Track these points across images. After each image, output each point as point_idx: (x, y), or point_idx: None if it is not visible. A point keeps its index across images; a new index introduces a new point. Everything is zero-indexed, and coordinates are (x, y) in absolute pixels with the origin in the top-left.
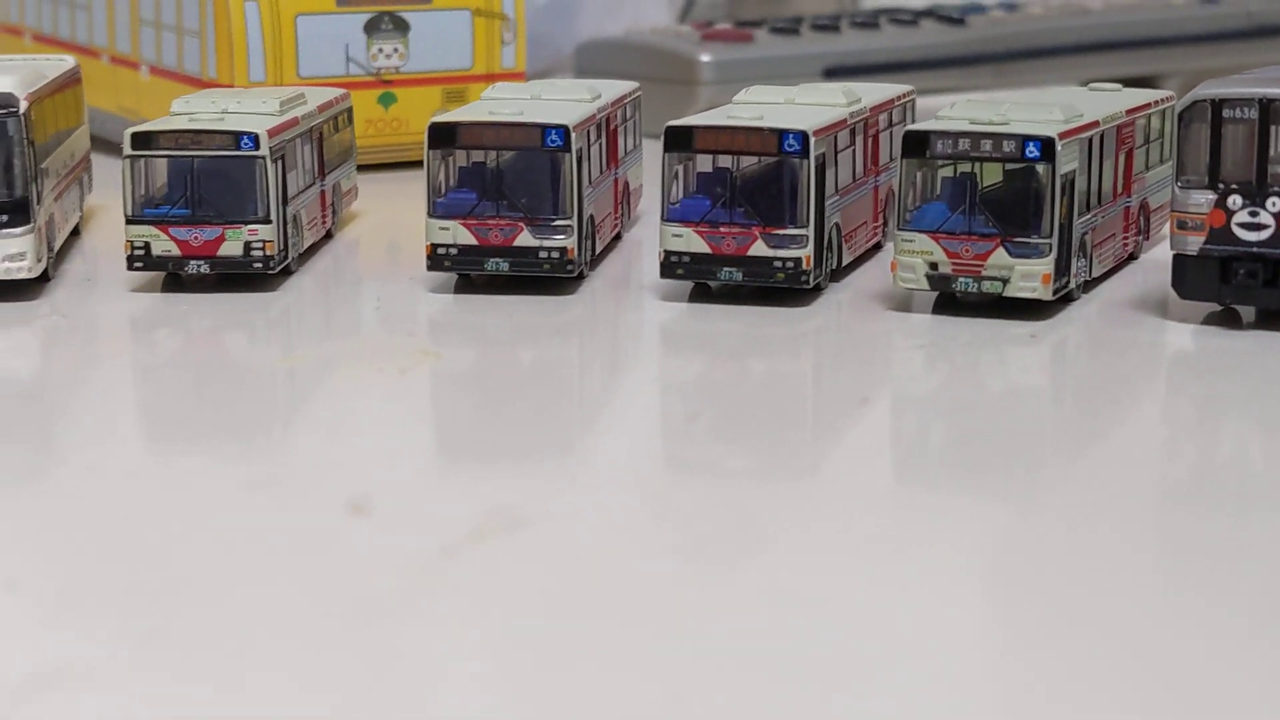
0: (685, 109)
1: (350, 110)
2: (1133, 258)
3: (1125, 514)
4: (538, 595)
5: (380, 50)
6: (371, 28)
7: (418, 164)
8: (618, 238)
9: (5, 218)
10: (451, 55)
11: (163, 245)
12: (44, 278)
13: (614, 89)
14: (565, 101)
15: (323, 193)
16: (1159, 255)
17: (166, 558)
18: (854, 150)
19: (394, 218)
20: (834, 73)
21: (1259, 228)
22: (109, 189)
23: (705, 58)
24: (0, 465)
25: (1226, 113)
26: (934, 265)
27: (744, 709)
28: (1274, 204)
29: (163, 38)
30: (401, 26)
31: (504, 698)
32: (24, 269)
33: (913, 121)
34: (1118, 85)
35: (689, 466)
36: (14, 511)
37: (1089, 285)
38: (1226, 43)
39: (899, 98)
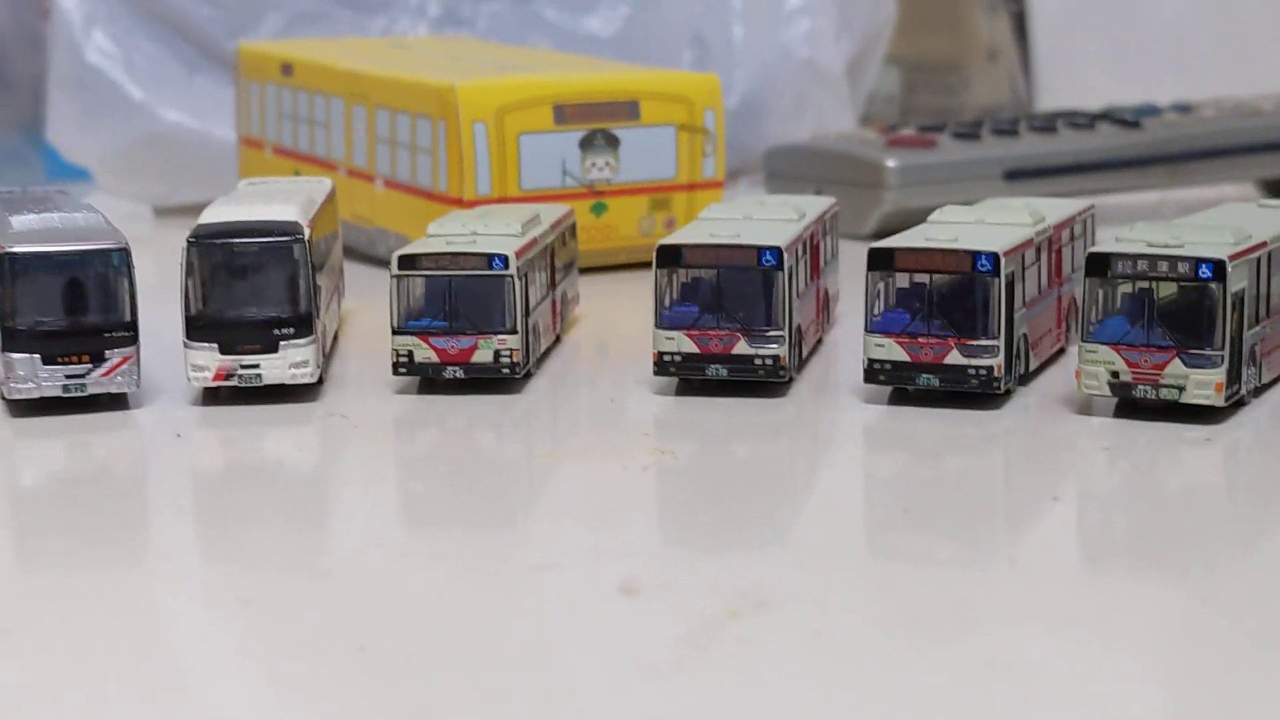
0: (870, 212)
1: (574, 225)
2: None
3: None
4: (789, 664)
5: (594, 164)
6: (586, 144)
7: (626, 266)
8: (819, 341)
9: (292, 330)
10: (658, 167)
11: (424, 353)
12: (319, 381)
13: (816, 206)
14: (775, 221)
15: (554, 302)
16: None
17: (475, 623)
18: (1039, 265)
19: (610, 319)
20: (1014, 175)
21: None
22: (351, 292)
23: (891, 163)
24: (294, 548)
25: None
26: (1115, 374)
27: None
28: None
29: (397, 154)
30: (613, 142)
31: None
32: (307, 375)
33: (1093, 234)
34: None
35: (901, 554)
36: (340, 585)
37: (1259, 391)
38: None
39: (1079, 213)
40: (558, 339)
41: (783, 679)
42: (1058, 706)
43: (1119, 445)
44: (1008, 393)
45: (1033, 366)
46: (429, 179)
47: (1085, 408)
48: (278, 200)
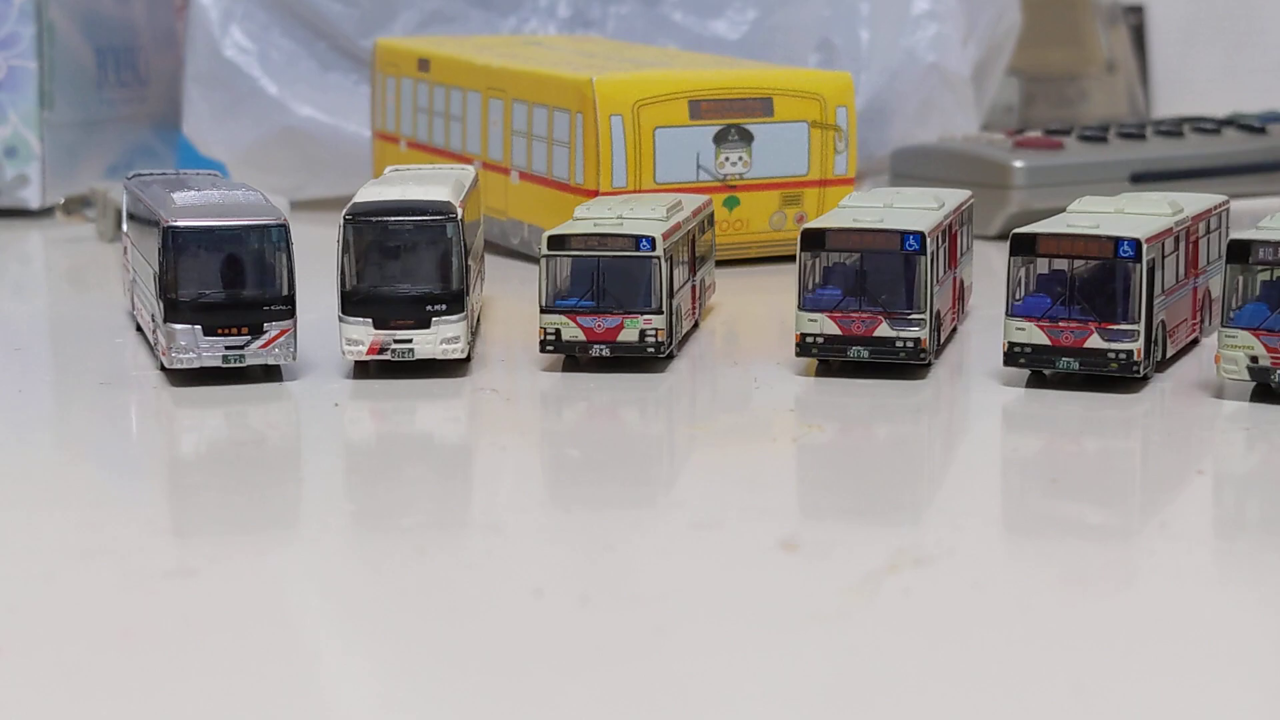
0: (998, 212)
1: (712, 214)
2: None
3: None
4: (952, 615)
5: (727, 159)
6: (720, 138)
7: (759, 260)
8: (954, 330)
9: (444, 306)
10: (790, 163)
11: (571, 332)
12: (467, 358)
13: (954, 197)
14: (916, 209)
15: (694, 287)
16: None
17: (646, 571)
18: (1177, 255)
19: (744, 308)
20: (1140, 179)
21: None
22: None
23: (1018, 164)
24: (458, 505)
25: None
26: (1254, 359)
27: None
28: None
29: (533, 147)
30: (746, 137)
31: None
32: (458, 350)
33: (1227, 228)
34: None
35: (1052, 519)
36: (509, 537)
37: None
38: None
39: (1215, 207)
40: (696, 324)
41: (947, 628)
42: (1208, 658)
43: (1258, 427)
44: (1145, 378)
45: (1169, 354)
46: (565, 171)
47: (1222, 392)
48: (429, 182)
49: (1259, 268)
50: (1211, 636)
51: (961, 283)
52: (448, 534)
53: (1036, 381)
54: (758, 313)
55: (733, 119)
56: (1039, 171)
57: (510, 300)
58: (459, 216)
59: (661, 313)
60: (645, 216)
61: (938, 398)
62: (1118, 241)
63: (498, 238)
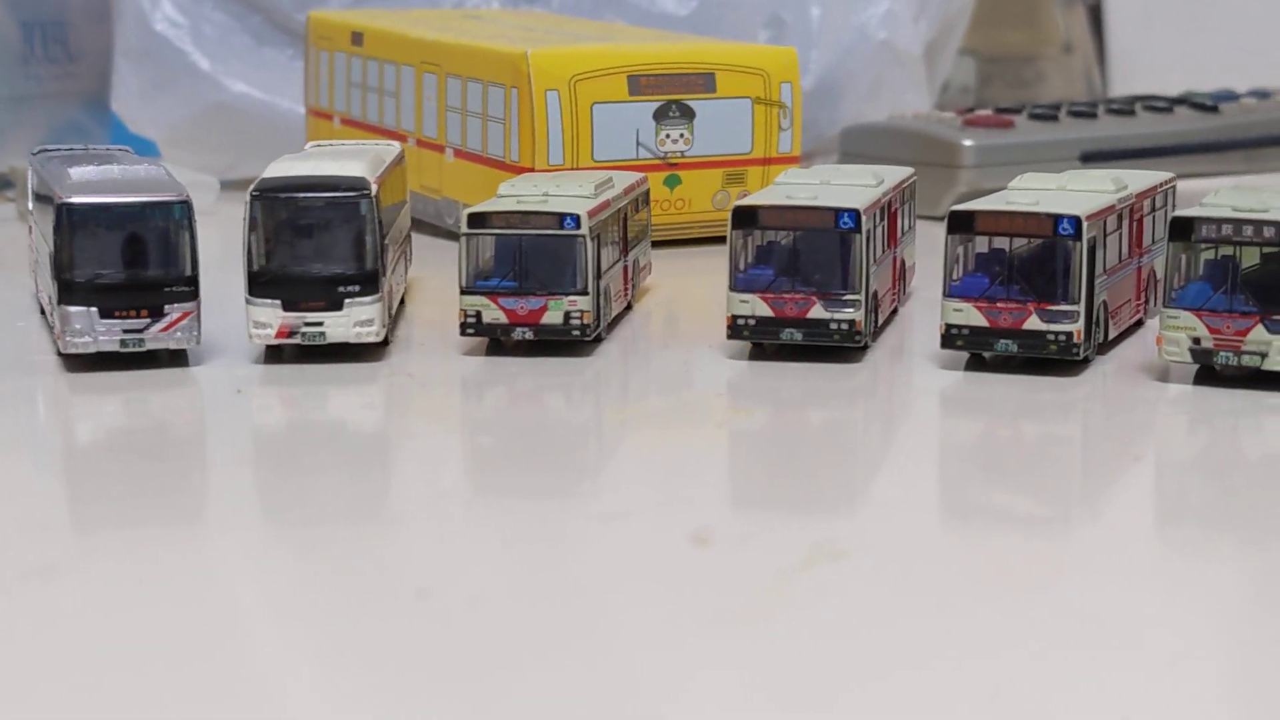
0: (947, 191)
1: (648, 193)
2: None
3: None
4: (867, 612)
5: (668, 136)
6: (660, 115)
7: (699, 241)
8: (894, 312)
9: (357, 288)
10: (733, 140)
11: (492, 314)
12: (384, 342)
13: (894, 174)
14: (853, 186)
15: (626, 267)
16: None
17: (544, 570)
18: (1120, 234)
19: (681, 291)
20: (1091, 158)
21: None
22: (417, 262)
23: (968, 143)
24: (366, 497)
25: None
26: (1196, 340)
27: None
28: None
29: (468, 124)
30: (688, 114)
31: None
32: (372, 334)
33: (1174, 206)
34: None
35: (980, 509)
36: (403, 531)
37: None
38: None
39: (1161, 184)
40: (629, 306)
41: (860, 626)
42: (1134, 656)
43: (1199, 411)
44: (1086, 360)
45: (1112, 335)
46: (500, 149)
47: (1165, 375)
48: (345, 158)
49: (1202, 246)
50: (1138, 636)
51: (902, 263)
52: (339, 528)
53: (976, 364)
54: (696, 295)
55: (674, 95)
56: (988, 150)
57: (442, 282)
58: (373, 193)
59: (587, 294)
60: (572, 194)
61: (874, 381)
62: (1057, 219)
63: (432, 217)
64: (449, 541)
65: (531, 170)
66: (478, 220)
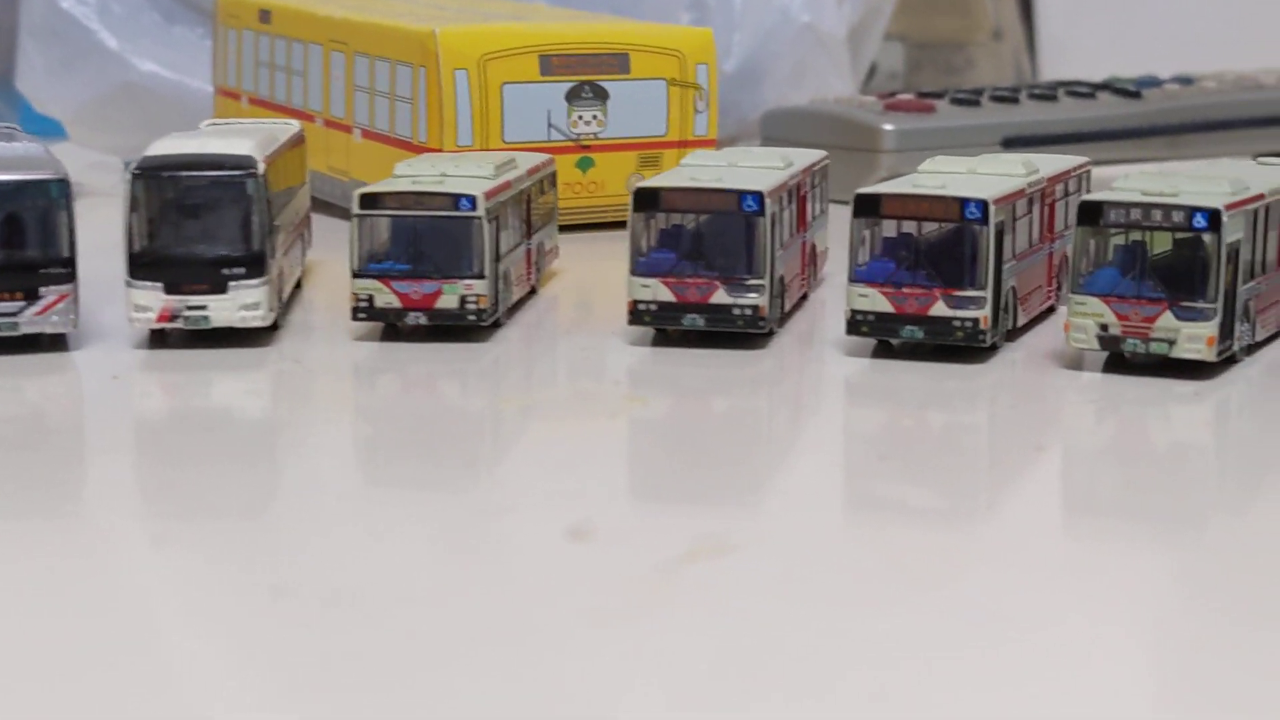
0: (867, 176)
1: (554, 175)
2: None
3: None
4: (749, 609)
5: (580, 117)
6: (573, 96)
7: (613, 225)
8: (804, 298)
9: (243, 270)
10: (647, 122)
11: (385, 298)
12: (274, 326)
13: (804, 157)
14: (759, 169)
15: (529, 251)
16: None
17: (415, 570)
18: (1031, 218)
19: (591, 276)
20: (1012, 143)
21: None
22: (323, 245)
23: (888, 127)
24: (240, 489)
25: None
26: (1104, 327)
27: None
28: None
29: (376, 104)
30: (601, 95)
31: (734, 686)
32: (258, 318)
33: (1088, 191)
34: None
35: (875, 502)
36: (270, 526)
37: (1251, 349)
38: None
39: (1075, 169)
40: (533, 291)
41: (737, 629)
42: (1031, 655)
43: (1107, 400)
44: (994, 347)
45: (1021, 322)
46: (408, 129)
47: (1074, 363)
48: (235, 136)
49: (1111, 230)
50: (1026, 631)
51: (813, 247)
52: (195, 524)
53: (883, 351)
54: (605, 280)
55: (586, 76)
56: (909, 135)
57: (344, 267)
58: (260, 172)
59: (484, 277)
60: (470, 174)
61: (779, 369)
62: (964, 202)
63: (340, 199)
64: (317, 537)
65: (439, 152)
66: (370, 201)
